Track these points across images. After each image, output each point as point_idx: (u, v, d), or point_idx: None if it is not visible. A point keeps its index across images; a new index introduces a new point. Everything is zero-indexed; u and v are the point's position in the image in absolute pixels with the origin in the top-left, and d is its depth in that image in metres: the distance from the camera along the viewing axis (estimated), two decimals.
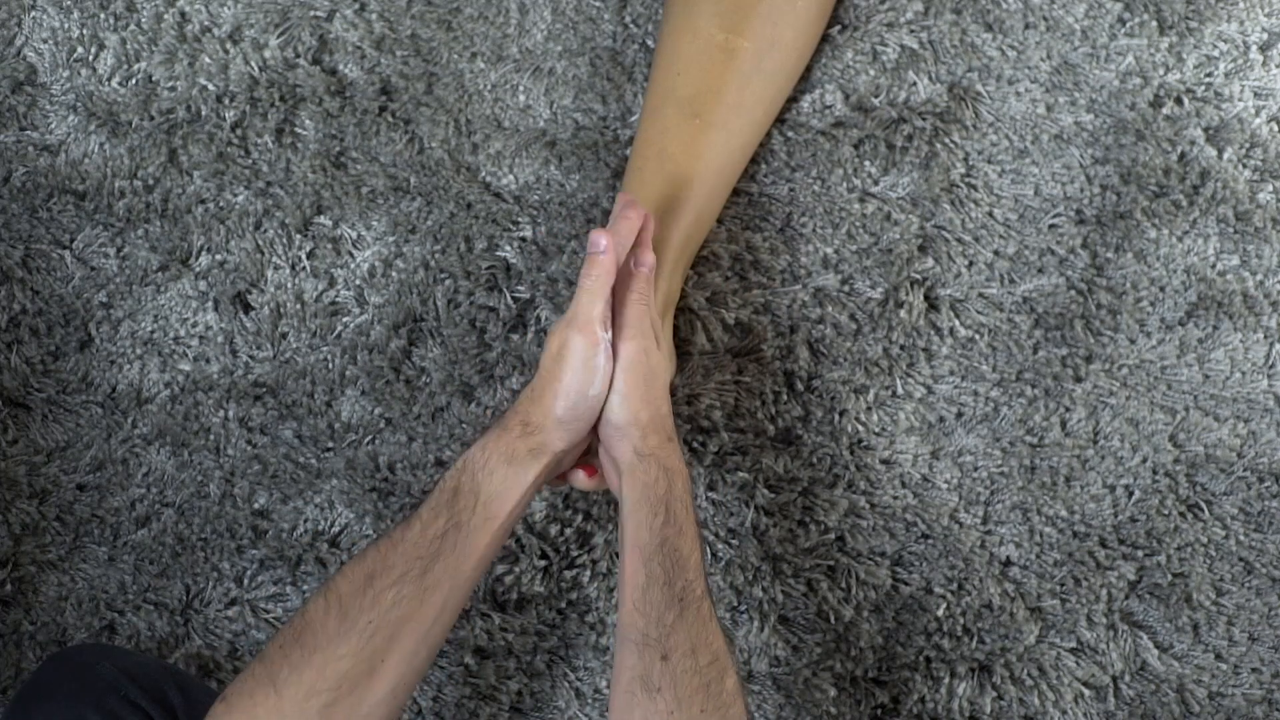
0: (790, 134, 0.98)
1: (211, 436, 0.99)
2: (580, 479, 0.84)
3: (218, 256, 1.02)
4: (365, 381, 0.99)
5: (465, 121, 1.02)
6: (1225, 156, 0.94)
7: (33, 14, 1.06)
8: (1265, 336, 0.92)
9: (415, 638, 0.72)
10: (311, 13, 1.04)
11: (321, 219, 1.01)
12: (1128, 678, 0.91)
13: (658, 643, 0.70)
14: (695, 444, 0.95)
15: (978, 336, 0.94)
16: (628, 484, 0.77)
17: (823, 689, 0.92)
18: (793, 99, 0.98)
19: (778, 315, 0.96)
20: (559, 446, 0.78)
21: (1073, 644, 0.92)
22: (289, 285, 1.01)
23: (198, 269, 1.02)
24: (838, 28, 0.98)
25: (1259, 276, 0.93)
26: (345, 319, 1.00)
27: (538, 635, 0.95)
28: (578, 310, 0.77)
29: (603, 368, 0.78)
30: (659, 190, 0.91)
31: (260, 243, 1.01)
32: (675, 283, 0.92)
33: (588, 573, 0.95)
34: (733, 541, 0.94)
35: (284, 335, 1.00)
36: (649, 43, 1.01)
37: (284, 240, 1.01)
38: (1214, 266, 0.93)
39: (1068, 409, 0.93)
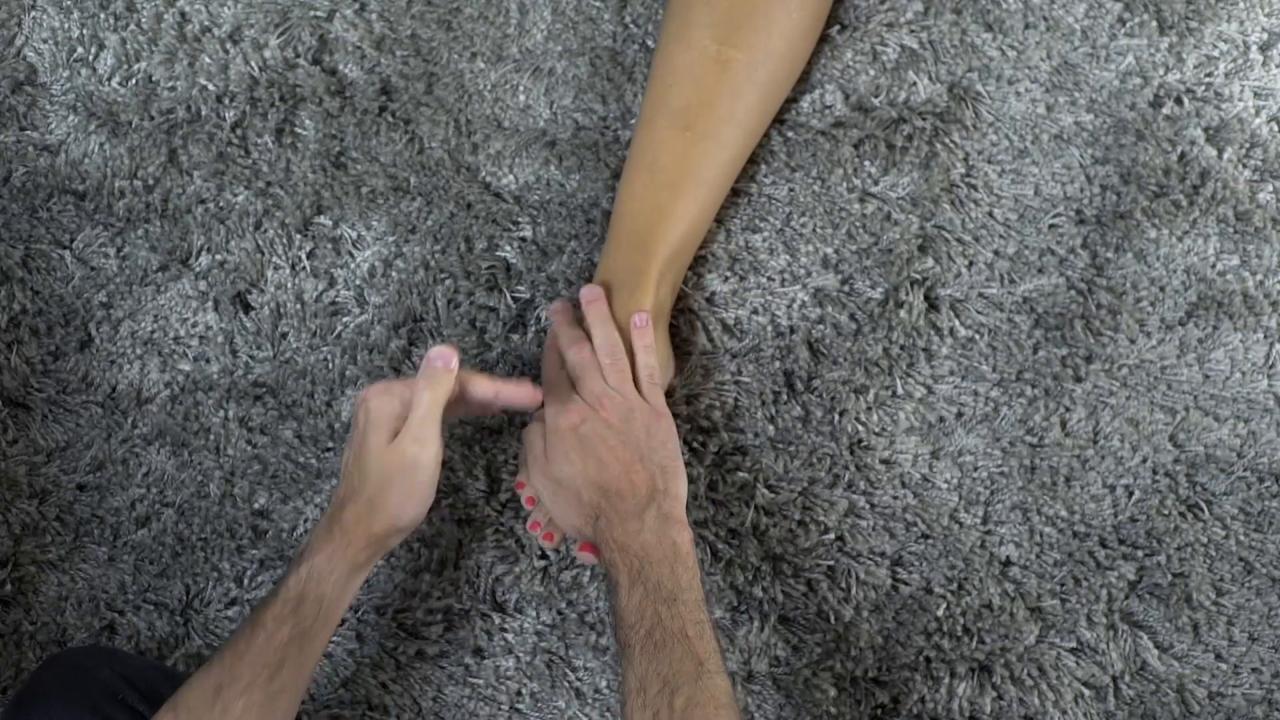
0: (790, 134, 0.98)
1: (211, 436, 0.99)
2: (588, 557, 0.87)
3: (218, 256, 1.02)
4: (365, 381, 0.99)
5: (465, 121, 1.02)
6: (1225, 156, 0.94)
7: (33, 14, 1.06)
8: (1265, 336, 0.92)
9: None
10: (311, 13, 1.04)
11: (321, 219, 1.02)
12: (1128, 678, 0.91)
13: (619, 689, 0.76)
14: (695, 444, 0.95)
15: (978, 336, 0.94)
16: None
17: (823, 689, 0.92)
18: (792, 99, 0.98)
19: (777, 315, 0.96)
20: (403, 539, 0.84)
21: (1073, 644, 0.92)
22: (289, 285, 1.01)
23: (198, 269, 1.02)
24: (837, 28, 0.98)
25: (1259, 276, 0.93)
26: (345, 319, 1.00)
27: (538, 635, 0.95)
28: (423, 429, 0.79)
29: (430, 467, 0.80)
30: (650, 202, 0.91)
31: (260, 243, 1.01)
32: (665, 293, 0.92)
33: (587, 573, 0.95)
34: (733, 541, 0.94)
35: (284, 335, 1.00)
36: (649, 43, 1.01)
37: (284, 240, 1.01)
38: (1214, 266, 0.93)
39: (1068, 409, 0.93)
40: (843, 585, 0.93)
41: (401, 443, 0.79)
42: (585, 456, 0.83)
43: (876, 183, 0.97)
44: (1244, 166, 0.94)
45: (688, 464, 0.94)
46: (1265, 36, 0.95)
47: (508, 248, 0.99)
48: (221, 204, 1.02)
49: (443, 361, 0.80)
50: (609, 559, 0.80)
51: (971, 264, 0.95)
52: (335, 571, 0.78)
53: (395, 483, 0.79)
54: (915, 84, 0.97)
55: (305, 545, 0.80)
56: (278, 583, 0.78)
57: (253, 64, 1.03)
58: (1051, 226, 0.95)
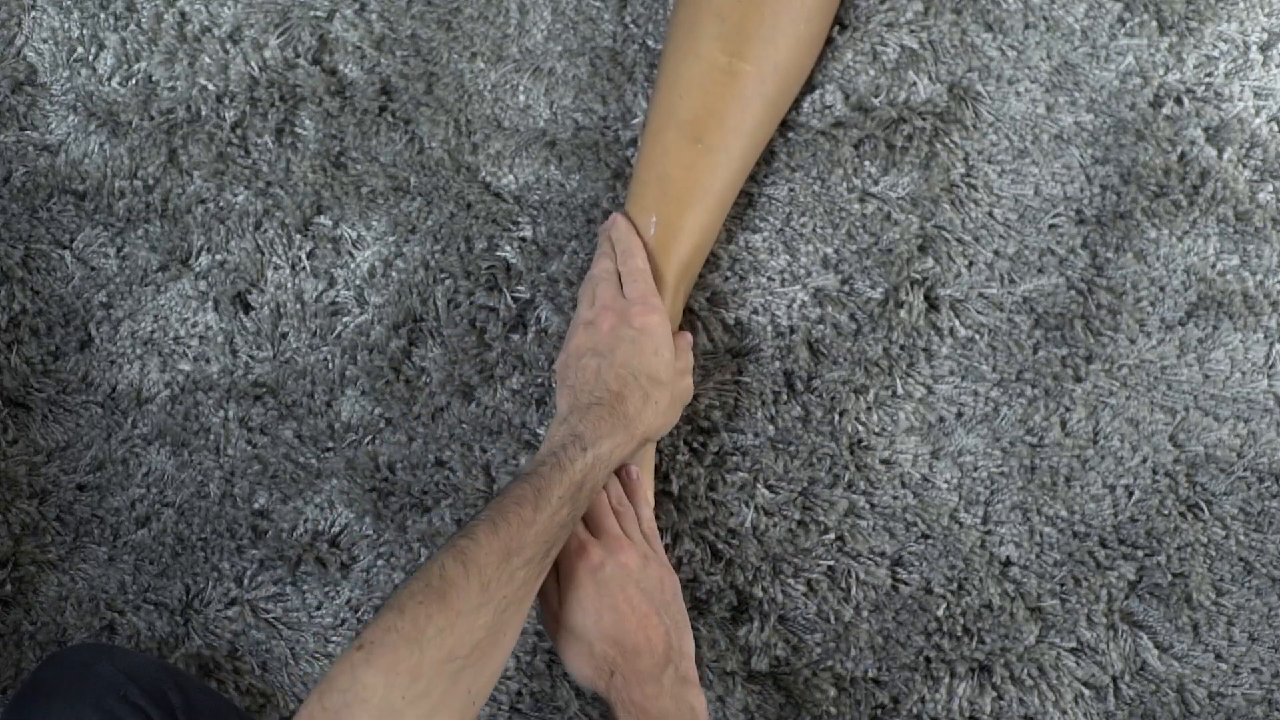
0: (790, 134, 0.98)
1: (211, 436, 0.99)
2: None
3: (218, 256, 1.02)
4: (365, 381, 0.99)
5: (465, 121, 1.02)
6: (1225, 156, 0.94)
7: (33, 14, 1.06)
8: (1265, 336, 0.92)
9: (524, 614, 0.75)
10: (311, 13, 1.04)
11: (321, 219, 1.02)
12: (1128, 678, 0.91)
13: None
14: (695, 444, 0.95)
15: (978, 336, 0.94)
16: None
17: (823, 689, 0.92)
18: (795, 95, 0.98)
19: (777, 315, 0.96)
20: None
21: (1073, 644, 0.91)
22: (289, 285, 1.01)
23: (198, 269, 1.02)
24: (837, 28, 0.98)
25: (1259, 276, 0.93)
26: (345, 319, 1.00)
27: (538, 635, 0.95)
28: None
29: None
30: (659, 214, 0.91)
31: (260, 243, 1.01)
32: (678, 305, 0.93)
33: None
34: (733, 541, 0.94)
35: (284, 335, 1.00)
36: (649, 43, 1.01)
37: (284, 240, 1.01)
38: (1214, 266, 0.93)
39: (1068, 409, 0.93)
40: (843, 585, 0.93)
41: (684, 376, 0.89)
42: (601, 606, 0.80)
43: (876, 183, 0.97)
44: (1244, 166, 0.94)
45: (687, 464, 0.94)
46: (1265, 36, 0.95)
47: (508, 248, 0.99)
48: (221, 204, 1.02)
49: (688, 342, 0.92)
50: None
51: (971, 264, 0.95)
52: (611, 463, 0.80)
53: (670, 398, 0.85)
54: (915, 84, 0.97)
55: (574, 431, 0.79)
56: (550, 460, 0.77)
57: (253, 64, 1.03)
58: (1051, 226, 0.95)
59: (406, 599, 0.69)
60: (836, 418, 0.95)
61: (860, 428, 0.94)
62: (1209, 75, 0.95)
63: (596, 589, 0.80)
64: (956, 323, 0.95)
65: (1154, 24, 0.96)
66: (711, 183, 0.92)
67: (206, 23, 1.05)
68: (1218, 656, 0.91)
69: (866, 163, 0.97)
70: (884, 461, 0.94)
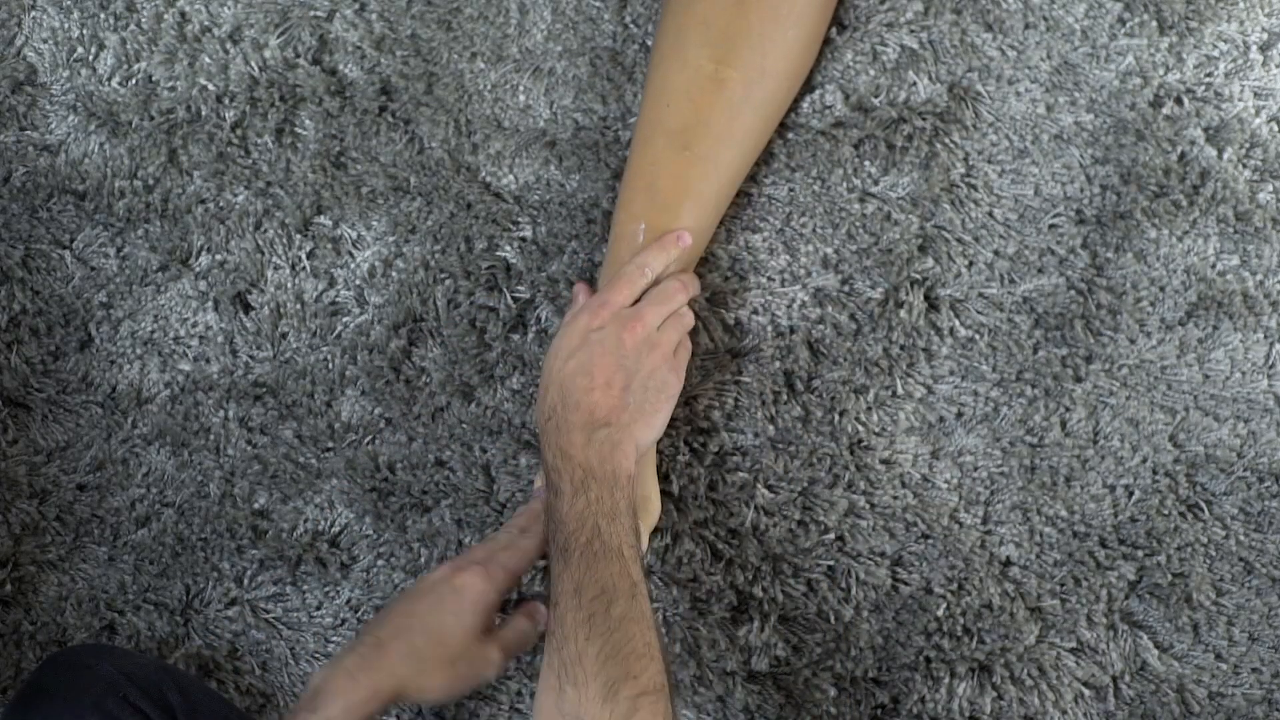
0: (790, 134, 0.98)
1: (211, 436, 0.99)
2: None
3: (218, 256, 1.02)
4: (365, 381, 0.99)
5: (465, 121, 1.02)
6: (1225, 156, 0.94)
7: (33, 14, 1.06)
8: (1265, 336, 0.92)
9: None
10: (311, 13, 1.04)
11: (321, 219, 1.02)
12: (1128, 678, 0.91)
13: (551, 595, 0.77)
14: (695, 444, 0.95)
15: (978, 336, 0.94)
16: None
17: (823, 689, 0.92)
18: (792, 100, 0.98)
19: (777, 315, 0.96)
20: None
21: (1073, 644, 0.92)
22: (289, 285, 1.01)
23: (198, 269, 1.02)
24: (837, 28, 0.98)
25: (1259, 276, 0.93)
26: (345, 319, 1.00)
27: (539, 637, 0.95)
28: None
29: None
30: (647, 221, 0.91)
31: (260, 243, 1.01)
32: None
33: None
34: (733, 541, 0.94)
35: (284, 335, 1.00)
36: (649, 43, 1.01)
37: (284, 240, 1.01)
38: (1214, 266, 0.93)
39: (1068, 409, 0.93)
40: (843, 585, 0.93)
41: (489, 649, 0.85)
42: (574, 358, 0.84)
43: (876, 183, 0.97)
44: (1244, 166, 0.94)
45: (687, 464, 0.94)
46: (1265, 36, 0.95)
47: (508, 248, 0.99)
48: (221, 204, 1.02)
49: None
50: (553, 464, 0.81)
51: (971, 264, 0.95)
52: None
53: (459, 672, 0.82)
54: (915, 84, 0.97)
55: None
56: None
57: (253, 64, 1.03)
58: (1051, 226, 0.95)
59: None
60: (836, 418, 0.95)
61: (860, 428, 0.94)
62: (1209, 75, 0.95)
63: (582, 341, 0.84)
64: (956, 323, 0.95)
65: (1154, 24, 0.96)
66: (701, 190, 0.92)
67: (206, 23, 1.05)
68: (1218, 656, 0.91)
69: (866, 163, 0.97)
70: (884, 461, 0.94)
